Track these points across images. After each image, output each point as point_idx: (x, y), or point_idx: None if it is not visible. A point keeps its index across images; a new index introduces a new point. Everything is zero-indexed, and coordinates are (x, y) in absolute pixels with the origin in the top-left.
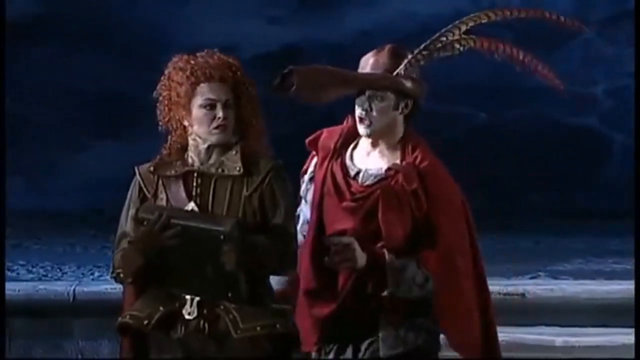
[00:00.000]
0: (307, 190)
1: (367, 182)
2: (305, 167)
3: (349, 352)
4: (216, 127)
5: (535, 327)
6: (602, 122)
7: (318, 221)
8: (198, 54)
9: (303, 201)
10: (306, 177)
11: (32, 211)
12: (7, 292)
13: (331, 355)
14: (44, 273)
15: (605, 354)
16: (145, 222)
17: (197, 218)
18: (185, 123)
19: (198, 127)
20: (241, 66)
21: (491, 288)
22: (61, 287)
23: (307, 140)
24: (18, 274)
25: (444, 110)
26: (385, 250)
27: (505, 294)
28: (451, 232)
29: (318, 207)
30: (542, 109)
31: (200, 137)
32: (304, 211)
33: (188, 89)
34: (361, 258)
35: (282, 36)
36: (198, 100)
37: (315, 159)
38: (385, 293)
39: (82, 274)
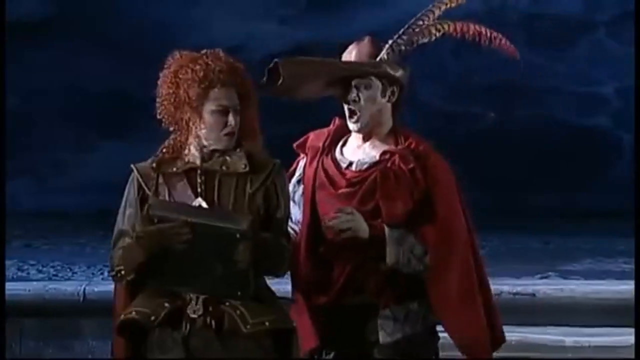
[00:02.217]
0: (294, 192)
1: (362, 168)
2: (292, 169)
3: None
4: (226, 134)
5: (545, 327)
6: (611, 122)
7: (312, 217)
8: (202, 54)
9: (291, 202)
10: (294, 179)
11: (42, 211)
12: (17, 291)
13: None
14: (54, 273)
15: (615, 354)
16: (157, 221)
17: (211, 216)
18: (192, 125)
19: (208, 132)
20: (245, 68)
21: (501, 288)
22: (71, 286)
23: (295, 145)
24: (28, 273)
25: (454, 110)
26: (384, 225)
27: (515, 294)
28: (448, 210)
29: (310, 202)
30: (552, 109)
31: (206, 140)
32: (293, 212)
33: (200, 92)
34: (363, 226)
35: (291, 36)
36: (211, 106)
37: (302, 162)
38: (384, 266)
39: (92, 273)
